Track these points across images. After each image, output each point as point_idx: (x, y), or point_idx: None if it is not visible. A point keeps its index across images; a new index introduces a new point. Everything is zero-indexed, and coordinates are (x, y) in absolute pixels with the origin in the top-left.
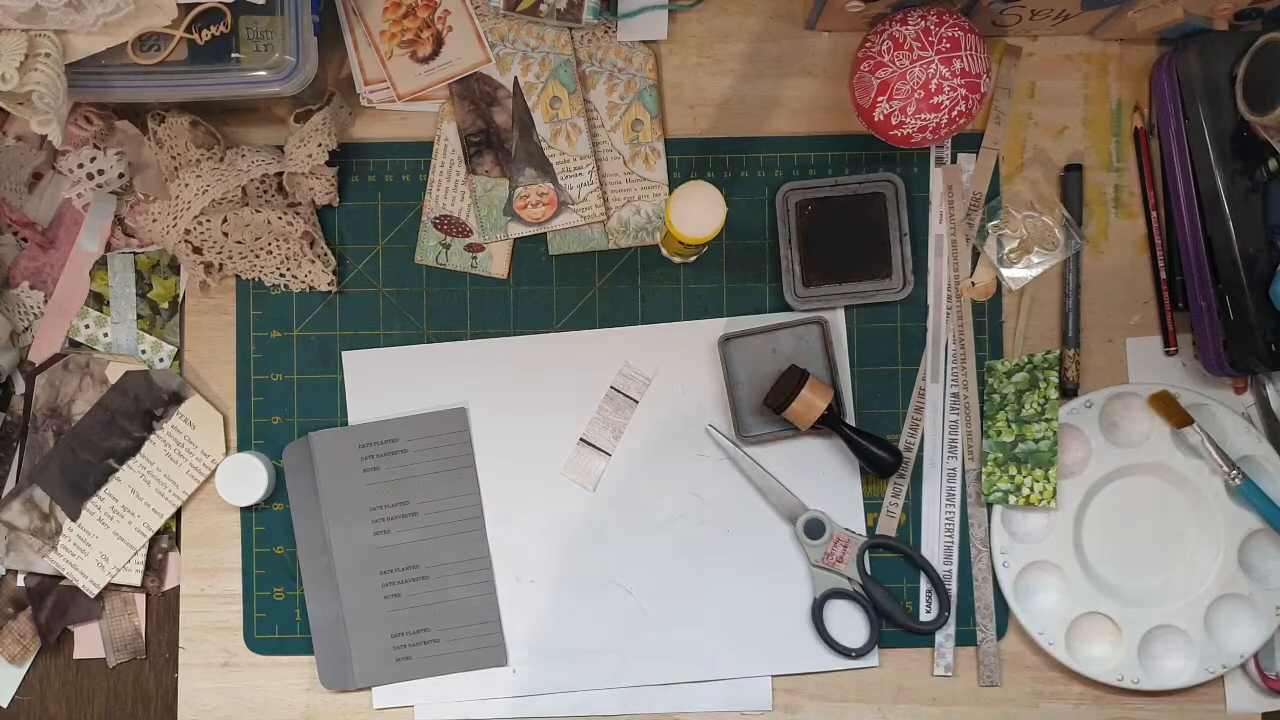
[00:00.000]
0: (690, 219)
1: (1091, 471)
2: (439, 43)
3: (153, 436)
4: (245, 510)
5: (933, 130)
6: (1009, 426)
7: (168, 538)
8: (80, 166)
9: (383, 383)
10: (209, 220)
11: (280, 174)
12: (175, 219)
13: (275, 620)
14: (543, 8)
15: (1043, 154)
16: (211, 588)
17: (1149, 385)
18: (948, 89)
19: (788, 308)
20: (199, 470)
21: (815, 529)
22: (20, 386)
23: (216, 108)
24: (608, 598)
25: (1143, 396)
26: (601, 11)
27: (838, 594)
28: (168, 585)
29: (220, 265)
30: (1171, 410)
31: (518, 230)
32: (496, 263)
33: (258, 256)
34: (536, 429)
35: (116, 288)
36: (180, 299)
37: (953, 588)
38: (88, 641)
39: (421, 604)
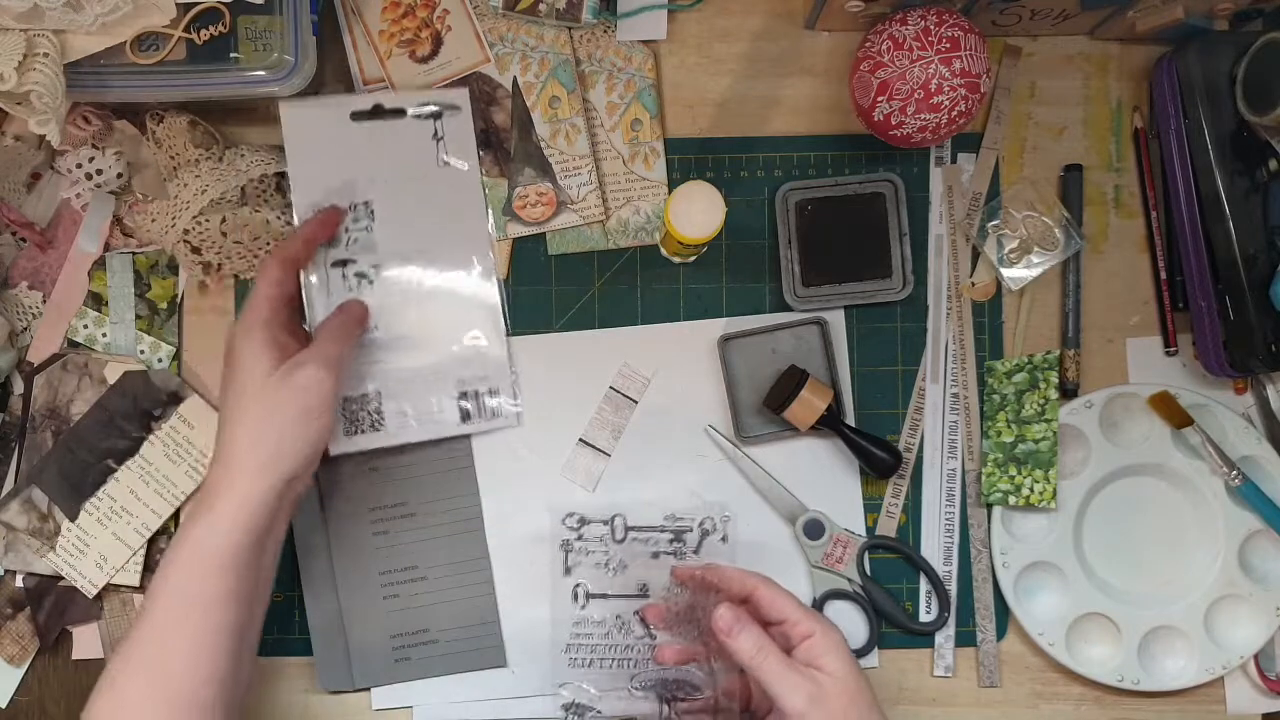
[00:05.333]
0: (690, 219)
1: (1091, 472)
2: (438, 42)
3: (151, 437)
4: None
5: (932, 130)
6: (1009, 427)
7: (166, 538)
8: (79, 166)
9: None
10: (208, 220)
11: (279, 174)
12: (174, 219)
13: (274, 621)
14: (542, 7)
15: (1043, 154)
16: None
17: (1149, 385)
18: (947, 89)
19: (787, 308)
20: (198, 471)
21: (815, 530)
22: (19, 386)
23: (215, 107)
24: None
25: (1143, 397)
26: (601, 11)
27: (837, 595)
28: None
29: (219, 265)
30: (1171, 410)
31: (516, 230)
32: (495, 263)
33: (256, 256)
34: (535, 429)
35: (115, 288)
36: (179, 299)
37: (952, 588)
38: (87, 642)
39: (421, 604)
